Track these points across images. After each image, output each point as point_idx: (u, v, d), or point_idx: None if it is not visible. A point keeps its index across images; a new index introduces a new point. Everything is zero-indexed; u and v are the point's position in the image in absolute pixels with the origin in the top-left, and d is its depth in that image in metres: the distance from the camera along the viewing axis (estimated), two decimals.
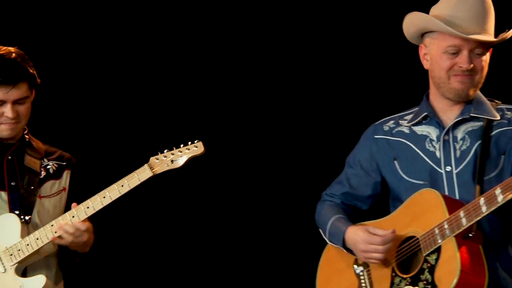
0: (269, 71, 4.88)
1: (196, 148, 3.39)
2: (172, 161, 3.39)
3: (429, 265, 3.08)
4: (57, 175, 3.54)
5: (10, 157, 3.46)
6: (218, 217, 4.91)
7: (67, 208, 3.50)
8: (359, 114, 4.53)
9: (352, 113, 4.74)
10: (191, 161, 3.39)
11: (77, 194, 3.52)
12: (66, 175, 3.56)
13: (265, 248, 4.93)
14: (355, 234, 3.22)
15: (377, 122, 3.39)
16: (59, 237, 3.36)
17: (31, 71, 3.40)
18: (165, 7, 4.86)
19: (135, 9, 4.87)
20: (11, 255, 3.34)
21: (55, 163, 3.55)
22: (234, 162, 4.88)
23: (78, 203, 3.46)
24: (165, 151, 3.40)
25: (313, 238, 3.54)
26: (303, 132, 4.87)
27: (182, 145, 3.41)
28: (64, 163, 3.57)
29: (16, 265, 3.34)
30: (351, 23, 4.78)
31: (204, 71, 4.90)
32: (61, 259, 3.55)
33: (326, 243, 3.39)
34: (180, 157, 3.39)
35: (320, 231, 3.41)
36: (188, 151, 3.38)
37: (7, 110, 3.35)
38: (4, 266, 3.33)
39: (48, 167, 3.53)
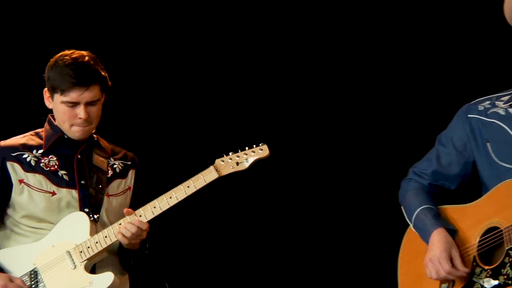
0: (332, 73, 4.93)
1: (262, 151, 3.44)
2: (237, 163, 3.43)
3: (511, 259, 3.02)
4: (123, 174, 3.61)
5: (79, 156, 3.53)
6: (282, 220, 4.96)
7: (131, 207, 3.56)
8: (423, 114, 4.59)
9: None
10: (256, 164, 3.43)
11: (141, 194, 3.61)
12: (131, 175, 3.63)
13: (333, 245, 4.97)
14: (438, 248, 3.15)
15: (472, 102, 3.30)
16: (122, 234, 3.42)
17: (103, 73, 3.48)
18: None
19: (196, 12, 4.95)
20: (81, 252, 3.40)
21: (121, 162, 3.63)
22: (299, 166, 4.91)
23: (141, 202, 3.52)
24: (230, 153, 3.46)
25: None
26: (367, 133, 4.91)
27: (247, 148, 3.46)
28: (129, 163, 3.65)
29: (85, 262, 3.40)
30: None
31: (270, 73, 4.95)
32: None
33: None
34: (245, 159, 3.43)
35: (402, 209, 3.37)
36: (253, 153, 3.43)
37: (80, 111, 3.42)
38: (74, 263, 3.40)
39: (115, 166, 3.60)
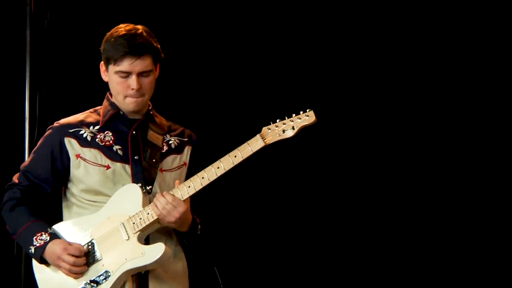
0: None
1: (308, 117, 3.37)
2: (283, 131, 3.38)
3: None
4: (178, 150, 3.63)
5: (134, 132, 3.58)
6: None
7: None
8: None
9: None
10: (302, 130, 3.36)
11: (196, 170, 3.57)
12: (187, 151, 3.65)
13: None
14: None
15: None
16: (154, 205, 3.43)
17: (155, 45, 3.53)
18: None
19: None
20: (134, 223, 3.44)
21: (177, 139, 3.65)
22: (347, 133, 4.88)
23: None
24: (277, 121, 3.40)
25: None
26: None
27: (293, 115, 3.39)
28: (186, 139, 3.67)
29: (138, 233, 3.43)
30: None
31: (316, 42, 4.97)
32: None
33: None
34: (291, 127, 3.37)
35: None
36: (299, 120, 3.36)
37: (132, 81, 3.48)
38: (127, 234, 3.44)
39: (170, 142, 3.63)
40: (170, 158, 3.60)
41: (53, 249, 3.45)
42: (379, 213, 5.03)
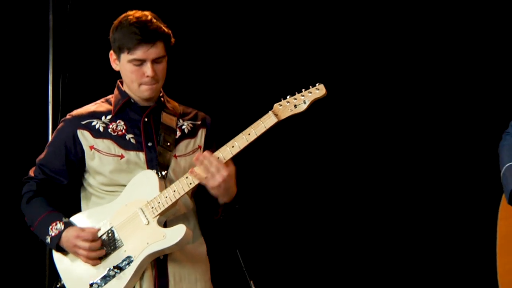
0: None
1: (318, 91, 3.34)
2: (295, 105, 3.35)
3: None
4: (192, 134, 3.61)
5: (146, 119, 3.57)
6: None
7: None
8: None
9: None
10: (314, 104, 3.33)
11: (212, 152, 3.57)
12: (201, 134, 3.63)
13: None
14: None
15: None
16: (195, 173, 3.39)
17: (166, 30, 3.51)
18: None
19: None
20: (152, 207, 3.44)
21: (190, 123, 3.63)
22: (355, 106, 4.85)
23: None
24: (288, 96, 3.38)
25: None
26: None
27: (304, 90, 3.36)
28: (199, 122, 3.64)
29: (157, 217, 3.44)
30: None
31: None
32: (201, 214, 3.62)
33: None
34: (303, 101, 3.35)
35: None
36: (310, 94, 3.34)
37: (147, 69, 3.46)
38: (147, 219, 3.44)
39: (183, 127, 3.61)
40: (183, 143, 3.59)
41: (67, 238, 3.47)
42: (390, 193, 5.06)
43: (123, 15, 3.54)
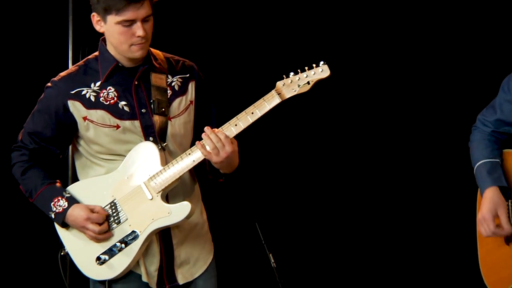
0: None
1: (322, 72, 3.27)
2: (298, 85, 3.29)
3: None
4: (182, 90, 3.56)
5: (136, 82, 3.50)
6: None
7: (196, 120, 3.56)
8: None
9: None
10: (317, 85, 3.26)
11: (203, 105, 3.57)
12: (191, 88, 3.58)
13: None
14: (485, 207, 3.31)
15: None
16: (204, 148, 3.37)
17: None
18: None
19: None
20: (156, 183, 3.42)
21: (179, 77, 3.57)
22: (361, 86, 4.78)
23: (205, 115, 3.56)
24: (291, 74, 3.30)
25: None
26: None
27: (307, 68, 3.29)
28: (187, 75, 3.58)
29: (161, 192, 3.42)
30: None
31: None
32: (203, 176, 3.60)
33: None
34: (306, 81, 3.28)
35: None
36: (314, 74, 3.27)
37: (138, 29, 3.38)
38: (151, 193, 3.43)
39: (173, 84, 3.55)
40: (176, 103, 3.53)
41: (74, 217, 3.45)
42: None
43: None
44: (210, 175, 3.58)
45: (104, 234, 3.44)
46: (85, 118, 3.47)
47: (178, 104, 3.54)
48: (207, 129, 3.36)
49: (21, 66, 4.94)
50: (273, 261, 3.65)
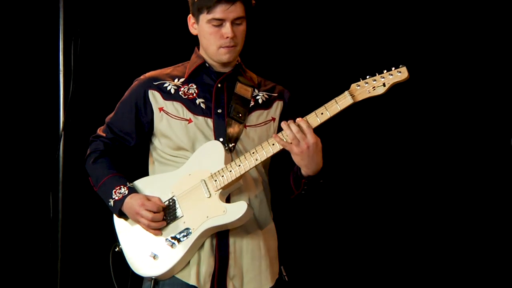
0: None
1: (400, 74, 3.26)
2: (374, 87, 3.28)
3: None
4: (266, 105, 3.56)
5: (219, 85, 3.52)
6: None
7: None
8: None
9: None
10: (394, 88, 3.26)
11: None
12: (276, 106, 3.57)
13: None
14: None
15: None
16: (279, 138, 3.31)
17: None
18: None
19: None
20: (215, 181, 3.39)
21: (266, 93, 3.59)
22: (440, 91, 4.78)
23: None
24: (367, 77, 3.30)
25: None
26: None
27: (385, 71, 3.29)
28: (275, 95, 3.59)
29: (220, 190, 3.38)
30: None
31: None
32: (276, 192, 3.54)
33: None
34: (382, 83, 3.27)
35: None
36: (391, 76, 3.26)
37: (226, 30, 3.41)
38: (209, 191, 3.39)
39: (258, 97, 3.56)
40: (255, 114, 3.53)
41: (131, 204, 3.43)
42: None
43: None
44: (294, 187, 3.45)
45: (158, 222, 3.40)
46: (161, 109, 3.48)
47: (258, 116, 3.53)
48: (284, 122, 3.30)
49: (9, 60, 4.77)
50: (284, 273, 3.58)
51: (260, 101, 3.56)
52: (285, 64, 4.90)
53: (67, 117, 4.39)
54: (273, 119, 3.55)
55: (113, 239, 3.52)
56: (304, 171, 3.35)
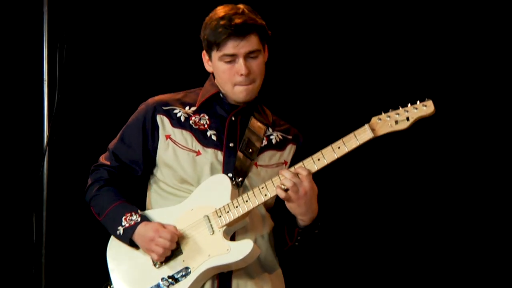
0: None
1: (425, 108, 3.09)
2: (396, 121, 3.10)
3: None
4: (279, 146, 3.39)
5: (233, 118, 3.34)
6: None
7: None
8: None
9: None
10: (418, 122, 3.09)
11: None
12: (290, 149, 3.40)
13: None
14: None
15: None
16: (280, 188, 3.14)
17: (260, 21, 3.26)
18: None
19: None
20: (220, 217, 3.20)
21: (280, 134, 3.41)
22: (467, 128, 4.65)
23: None
24: (389, 110, 3.13)
25: None
26: None
27: (409, 104, 3.11)
28: (290, 137, 3.42)
29: (224, 227, 3.20)
30: None
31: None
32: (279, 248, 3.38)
33: None
34: (406, 117, 3.09)
35: None
36: (415, 110, 3.09)
37: (239, 66, 3.23)
38: (212, 228, 3.21)
39: (272, 137, 3.39)
40: (268, 154, 3.35)
41: (144, 231, 3.23)
42: None
43: (214, 10, 3.31)
44: (288, 238, 3.31)
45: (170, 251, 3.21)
46: (168, 136, 3.31)
47: (270, 156, 3.36)
48: (282, 171, 3.15)
49: None
50: None
51: (273, 141, 3.39)
52: (299, 99, 4.74)
53: (52, 131, 4.19)
54: (285, 162, 3.39)
55: (103, 268, 3.33)
56: (300, 219, 3.22)
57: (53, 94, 4.18)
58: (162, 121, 3.33)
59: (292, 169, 3.16)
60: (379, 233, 4.86)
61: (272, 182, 3.19)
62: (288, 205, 3.17)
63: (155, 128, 3.32)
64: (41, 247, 4.21)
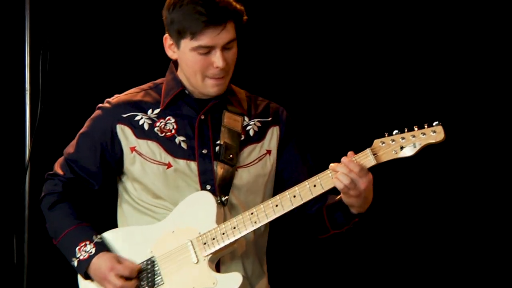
0: None
1: (434, 134, 2.80)
2: (401, 147, 2.83)
3: None
4: (258, 137, 3.08)
5: (203, 117, 3.03)
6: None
7: (277, 174, 3.09)
8: None
9: None
10: (425, 149, 2.83)
11: (291, 156, 3.08)
12: (271, 134, 3.09)
13: None
14: None
15: None
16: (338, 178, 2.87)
17: (239, 7, 2.96)
18: None
19: None
20: (205, 244, 2.93)
21: (258, 121, 3.10)
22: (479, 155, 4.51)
23: (295, 166, 3.09)
24: (394, 132, 2.84)
25: None
26: None
27: (415, 128, 2.83)
28: (269, 119, 3.11)
29: (210, 256, 2.94)
30: None
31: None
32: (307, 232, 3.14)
33: None
34: (412, 143, 2.82)
35: None
36: (423, 136, 2.80)
37: (217, 59, 2.92)
38: (197, 256, 2.94)
39: (249, 128, 3.09)
40: (247, 150, 3.05)
41: (98, 265, 2.98)
42: None
43: None
44: (330, 227, 3.07)
45: None
46: (132, 149, 3.02)
47: (249, 152, 3.05)
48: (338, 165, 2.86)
49: None
50: None
51: (251, 132, 3.08)
52: (302, 108, 4.54)
53: (34, 144, 4.08)
54: (268, 152, 3.08)
55: None
56: (355, 210, 2.98)
57: (35, 105, 4.04)
58: (124, 132, 3.04)
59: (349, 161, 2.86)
60: (379, 233, 4.74)
61: (263, 207, 2.92)
62: (345, 197, 2.92)
63: (115, 140, 3.04)
64: (23, 271, 4.12)
